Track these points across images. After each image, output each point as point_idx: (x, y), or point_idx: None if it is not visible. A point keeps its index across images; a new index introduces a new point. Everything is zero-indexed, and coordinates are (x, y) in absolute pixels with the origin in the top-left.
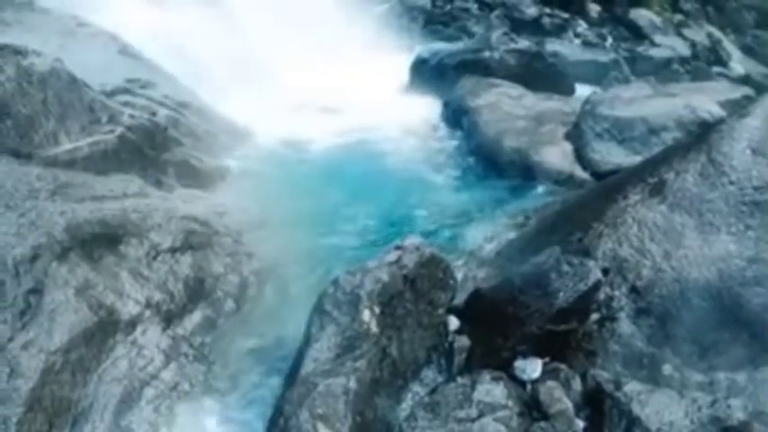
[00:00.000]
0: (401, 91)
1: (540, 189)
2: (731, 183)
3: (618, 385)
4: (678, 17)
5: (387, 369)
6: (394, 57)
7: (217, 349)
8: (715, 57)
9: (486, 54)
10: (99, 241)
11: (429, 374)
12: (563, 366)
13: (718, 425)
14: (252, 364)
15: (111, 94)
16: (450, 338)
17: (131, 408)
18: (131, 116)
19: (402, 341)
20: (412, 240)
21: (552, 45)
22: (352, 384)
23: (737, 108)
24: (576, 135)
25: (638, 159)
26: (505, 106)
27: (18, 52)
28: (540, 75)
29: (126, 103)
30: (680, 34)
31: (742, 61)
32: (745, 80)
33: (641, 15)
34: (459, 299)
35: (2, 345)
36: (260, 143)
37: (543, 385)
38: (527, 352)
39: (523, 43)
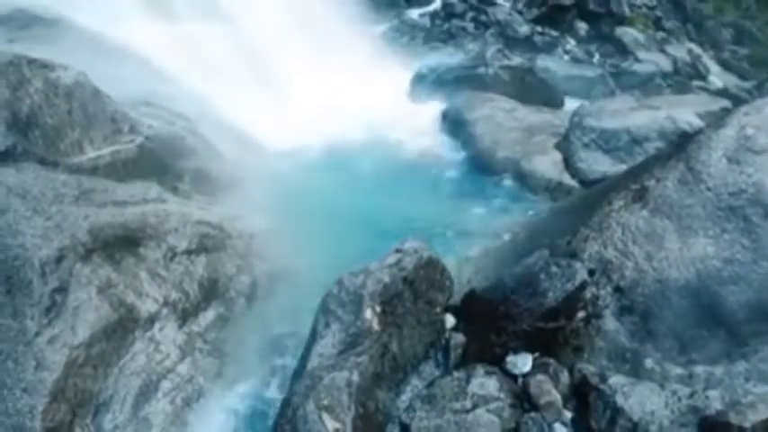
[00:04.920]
0: (402, 104)
1: (531, 196)
2: (708, 189)
3: (603, 378)
4: (661, 34)
5: (387, 364)
6: (396, 72)
7: (229, 345)
8: (695, 71)
9: (482, 70)
10: (120, 243)
11: (427, 369)
12: (552, 361)
13: (697, 414)
14: (262, 358)
15: (132, 105)
16: (446, 335)
17: (149, 399)
18: (150, 126)
19: (402, 338)
20: (411, 244)
21: (543, 61)
22: (355, 378)
23: (715, 119)
24: (564, 145)
25: (622, 168)
26: (499, 118)
27: (45, 66)
28: (531, 89)
29: (146, 114)
30: (662, 50)
31: (720, 75)
32: (722, 93)
33: (626, 33)
34: (456, 298)
35: (29, 339)
36: (270, 151)
37: (533, 378)
38: (518, 348)
39: (516, 60)
